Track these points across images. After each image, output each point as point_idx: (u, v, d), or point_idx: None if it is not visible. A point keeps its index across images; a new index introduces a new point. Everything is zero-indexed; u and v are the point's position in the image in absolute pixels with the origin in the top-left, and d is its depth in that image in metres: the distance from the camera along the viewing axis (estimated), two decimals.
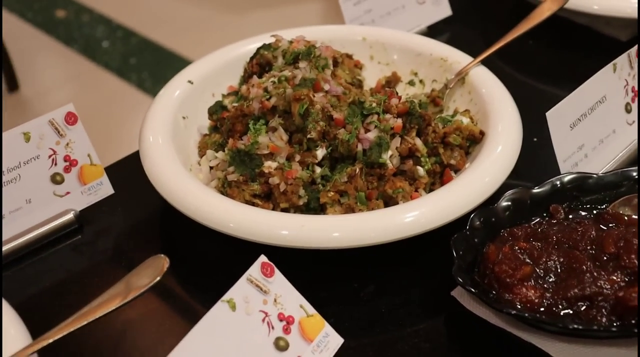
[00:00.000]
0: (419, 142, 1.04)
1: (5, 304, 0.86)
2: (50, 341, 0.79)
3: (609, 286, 0.84)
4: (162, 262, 0.83)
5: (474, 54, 1.23)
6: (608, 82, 1.09)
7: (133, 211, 1.11)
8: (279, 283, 0.80)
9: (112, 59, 3.37)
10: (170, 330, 0.93)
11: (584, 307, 0.84)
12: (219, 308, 0.75)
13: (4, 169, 0.99)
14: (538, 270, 0.87)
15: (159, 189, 1.00)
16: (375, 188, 1.01)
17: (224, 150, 1.05)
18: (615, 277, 0.85)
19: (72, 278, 1.01)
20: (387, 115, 1.03)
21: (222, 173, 1.03)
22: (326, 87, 1.05)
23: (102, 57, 3.38)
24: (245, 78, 1.19)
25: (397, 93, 1.08)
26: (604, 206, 0.98)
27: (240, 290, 0.77)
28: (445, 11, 1.48)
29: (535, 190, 0.97)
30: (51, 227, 1.04)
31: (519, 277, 0.86)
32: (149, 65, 3.32)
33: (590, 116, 1.06)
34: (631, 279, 0.85)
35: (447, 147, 1.07)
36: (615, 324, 0.82)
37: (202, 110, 1.16)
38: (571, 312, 0.84)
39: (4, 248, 1.00)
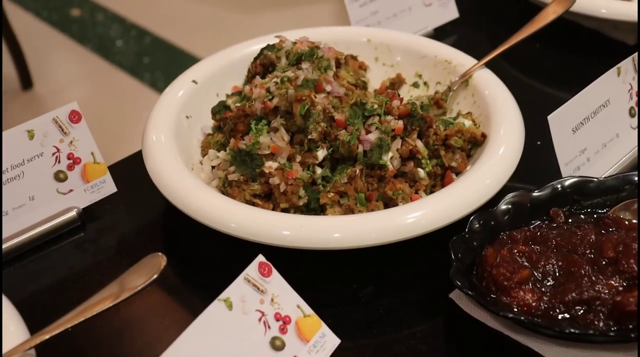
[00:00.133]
0: (420, 144, 1.04)
1: (5, 300, 0.87)
2: (47, 337, 0.80)
3: (607, 291, 0.84)
4: (159, 261, 0.83)
5: (480, 56, 1.22)
6: (612, 86, 1.08)
7: (135, 209, 1.12)
8: (276, 283, 0.80)
9: (125, 57, 3.38)
10: (169, 327, 0.94)
11: (581, 312, 0.83)
12: (215, 307, 0.75)
13: (7, 166, 1.00)
14: (536, 273, 0.87)
15: (161, 188, 1.00)
16: (376, 189, 1.01)
17: (225, 150, 1.05)
18: (613, 282, 0.85)
19: (74, 275, 1.02)
20: (389, 117, 1.03)
21: (223, 173, 1.03)
22: (328, 88, 1.05)
23: (115, 56, 3.39)
24: (249, 78, 1.19)
25: (398, 95, 1.08)
26: (605, 210, 0.97)
27: (237, 289, 0.77)
28: (452, 13, 1.47)
29: (536, 193, 0.97)
30: (54, 224, 1.04)
31: (517, 281, 0.85)
32: (162, 64, 3.33)
33: (593, 120, 1.06)
34: (629, 284, 0.84)
35: (449, 150, 1.07)
36: (612, 328, 0.82)
37: (206, 109, 1.17)
38: (568, 316, 0.83)
39: (6, 245, 1.01)
